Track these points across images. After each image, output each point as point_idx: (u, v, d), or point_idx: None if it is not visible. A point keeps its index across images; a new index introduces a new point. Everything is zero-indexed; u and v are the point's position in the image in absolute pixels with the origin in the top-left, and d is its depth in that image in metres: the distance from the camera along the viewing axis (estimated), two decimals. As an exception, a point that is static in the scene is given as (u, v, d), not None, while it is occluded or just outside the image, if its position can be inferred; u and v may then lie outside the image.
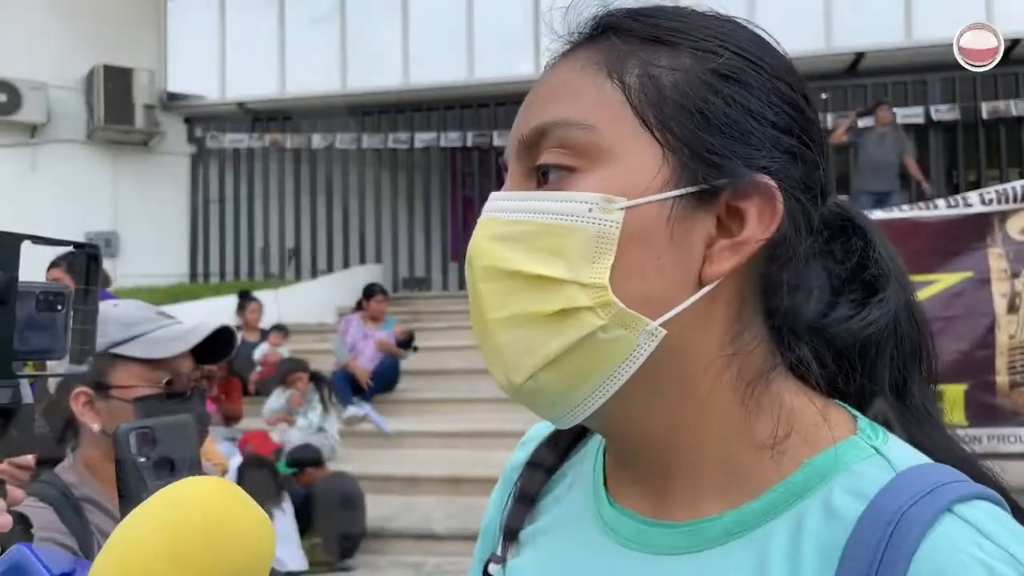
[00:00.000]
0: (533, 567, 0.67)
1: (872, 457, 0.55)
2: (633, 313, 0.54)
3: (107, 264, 10.35)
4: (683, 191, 0.55)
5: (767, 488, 0.56)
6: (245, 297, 8.07)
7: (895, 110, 9.11)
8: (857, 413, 0.59)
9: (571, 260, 0.54)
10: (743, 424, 0.57)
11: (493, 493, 0.77)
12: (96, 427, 1.41)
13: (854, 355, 0.60)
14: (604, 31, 0.60)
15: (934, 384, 0.63)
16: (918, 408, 0.61)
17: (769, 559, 0.54)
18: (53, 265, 4.05)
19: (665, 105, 0.56)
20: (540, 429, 0.76)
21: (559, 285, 0.55)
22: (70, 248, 0.73)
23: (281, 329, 7.77)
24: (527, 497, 0.71)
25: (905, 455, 0.55)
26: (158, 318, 1.48)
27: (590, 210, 0.54)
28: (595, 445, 0.68)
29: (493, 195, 0.60)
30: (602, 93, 0.57)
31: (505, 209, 0.58)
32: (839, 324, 0.59)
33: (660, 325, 0.54)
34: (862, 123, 8.84)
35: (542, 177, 0.58)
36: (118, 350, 1.41)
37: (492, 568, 0.70)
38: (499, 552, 0.70)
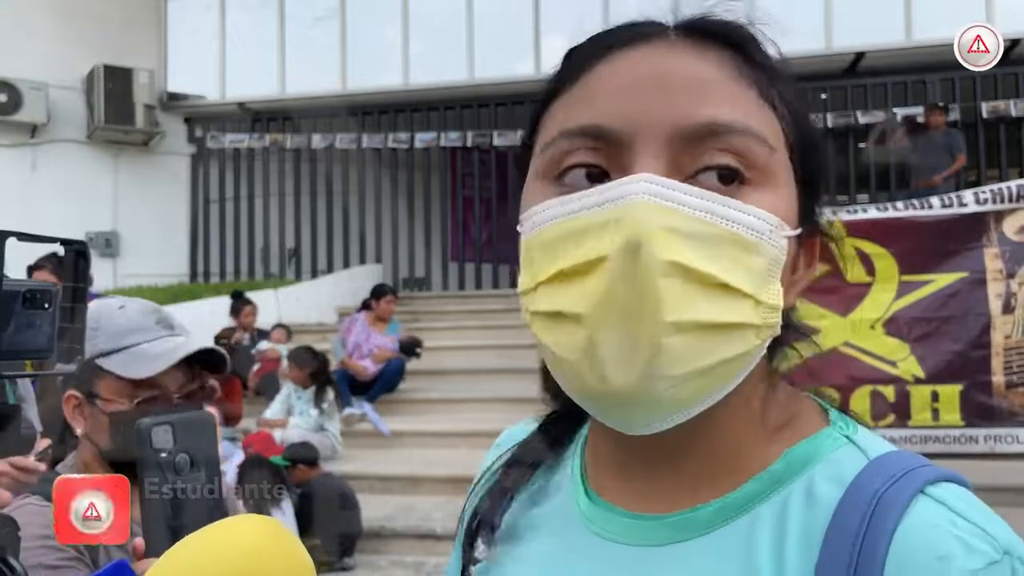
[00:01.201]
0: (517, 561, 0.67)
1: (846, 446, 0.59)
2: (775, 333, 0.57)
3: (107, 264, 10.36)
4: (801, 231, 0.59)
5: (750, 478, 0.59)
6: (238, 298, 8.07)
7: (898, 110, 9.12)
8: (827, 406, 0.63)
9: (755, 275, 0.54)
10: (760, 420, 0.61)
11: (465, 503, 0.76)
12: (79, 431, 1.41)
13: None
14: (711, 36, 0.58)
15: None
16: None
17: (756, 542, 0.56)
18: (36, 267, 3.95)
19: (801, 143, 0.60)
20: (514, 433, 0.77)
21: (742, 298, 0.53)
22: (56, 247, 0.72)
23: (284, 327, 7.78)
24: (507, 492, 0.71)
25: (874, 443, 0.59)
26: (154, 328, 1.44)
27: (771, 230, 0.55)
28: (578, 443, 0.70)
29: (653, 178, 0.53)
30: (764, 114, 0.57)
31: (684, 203, 0.53)
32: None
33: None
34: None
35: (723, 176, 0.54)
36: (101, 361, 1.39)
37: (474, 569, 0.70)
38: (480, 547, 0.70)
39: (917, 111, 9.53)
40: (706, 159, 0.54)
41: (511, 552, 0.68)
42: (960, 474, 0.57)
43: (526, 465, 0.72)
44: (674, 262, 0.51)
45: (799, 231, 0.58)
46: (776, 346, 0.61)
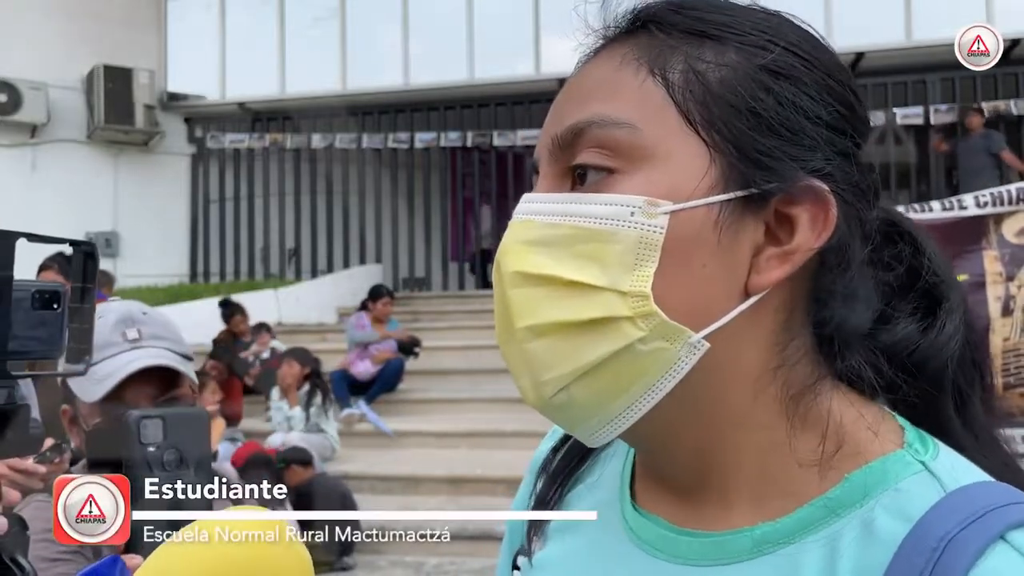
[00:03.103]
0: (557, 563, 0.64)
1: (920, 474, 0.51)
2: (676, 325, 0.51)
3: (107, 264, 10.36)
4: (732, 195, 0.52)
5: (805, 503, 0.53)
6: (227, 306, 8.04)
7: (898, 109, 9.14)
8: (906, 424, 0.55)
9: (610, 266, 0.51)
10: (787, 439, 0.54)
11: (522, 484, 0.73)
12: (74, 444, 1.42)
13: (912, 367, 0.56)
14: (643, 24, 0.56)
15: (990, 396, 0.60)
16: (978, 422, 0.58)
17: None
18: (44, 268, 3.94)
19: (712, 103, 0.53)
20: None
21: (596, 292, 0.51)
22: (64, 247, 0.72)
23: (264, 327, 7.74)
24: (544, 503, 0.68)
25: (957, 472, 0.51)
26: (117, 343, 1.36)
27: (632, 214, 0.51)
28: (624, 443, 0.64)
29: (526, 196, 0.57)
30: (643, 90, 0.54)
31: (540, 212, 0.54)
32: (910, 343, 0.57)
33: (703, 338, 0.51)
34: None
35: (578, 179, 0.54)
36: (70, 381, 1.35)
37: (520, 560, 0.67)
38: (526, 544, 0.67)
39: (916, 111, 9.54)
40: (576, 159, 0.54)
41: (552, 544, 0.65)
42: None
43: (582, 452, 0.68)
44: (518, 272, 0.53)
45: (712, 199, 0.51)
46: (829, 350, 0.55)
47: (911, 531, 0.48)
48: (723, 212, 0.52)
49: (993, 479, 0.52)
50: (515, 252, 0.54)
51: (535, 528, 0.67)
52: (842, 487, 0.52)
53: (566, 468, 0.68)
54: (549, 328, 0.53)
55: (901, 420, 0.56)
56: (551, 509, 0.67)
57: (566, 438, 0.70)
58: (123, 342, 1.38)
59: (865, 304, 0.56)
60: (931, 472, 0.51)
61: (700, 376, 0.52)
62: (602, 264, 0.52)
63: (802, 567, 0.51)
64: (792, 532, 0.52)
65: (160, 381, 1.37)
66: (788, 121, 0.53)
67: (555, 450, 0.70)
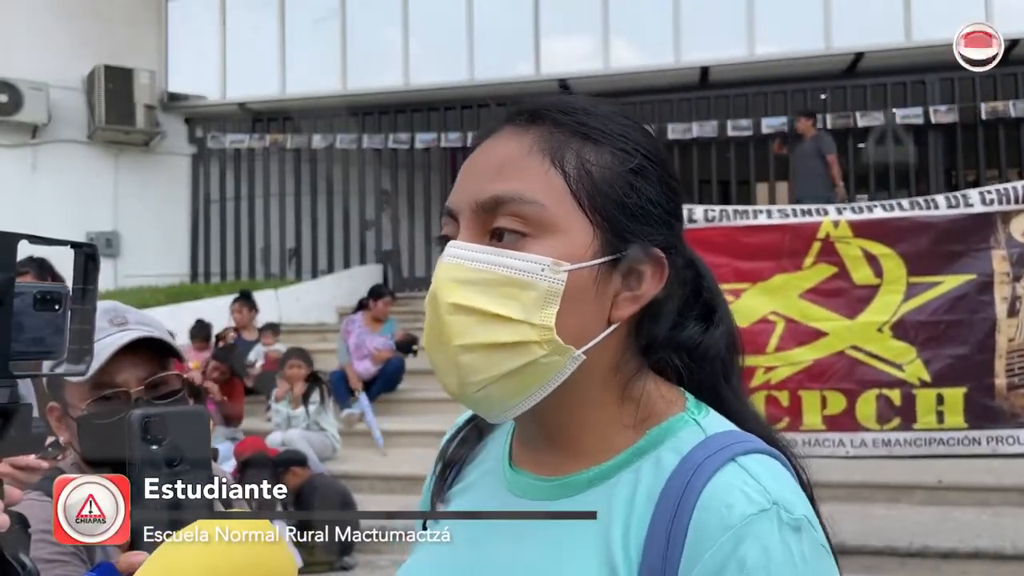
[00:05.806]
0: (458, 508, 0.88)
1: (692, 426, 0.76)
2: (566, 345, 0.73)
3: (108, 264, 10.37)
4: (606, 259, 0.74)
5: (623, 451, 0.77)
6: (240, 296, 8.10)
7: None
8: (689, 397, 0.80)
9: (526, 305, 0.72)
10: (617, 412, 0.78)
11: (430, 470, 0.96)
12: (63, 440, 1.42)
13: (697, 355, 0.81)
14: (540, 118, 0.77)
15: (741, 371, 0.85)
16: (736, 390, 0.84)
17: (615, 498, 0.75)
18: (18, 272, 3.91)
19: (596, 194, 0.74)
20: (468, 416, 0.96)
21: (516, 324, 0.71)
22: (36, 249, 0.73)
23: (272, 328, 7.76)
24: (445, 478, 0.91)
25: (715, 424, 0.77)
26: (104, 328, 1.36)
27: (543, 270, 0.72)
28: (505, 428, 0.88)
29: (453, 243, 0.76)
30: (548, 177, 0.74)
31: (468, 258, 0.74)
32: (695, 340, 0.81)
33: (581, 352, 0.73)
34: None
35: (495, 235, 0.74)
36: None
37: (427, 522, 0.87)
38: (432, 506, 0.90)
39: (916, 112, 9.55)
40: (496, 223, 0.74)
41: (454, 503, 0.88)
42: (774, 450, 0.75)
43: (478, 434, 0.92)
44: (454, 303, 0.72)
45: (594, 262, 0.73)
46: (647, 356, 0.79)
47: (680, 461, 0.73)
48: (599, 270, 0.74)
49: (737, 429, 0.77)
50: (449, 287, 0.73)
51: (438, 493, 0.91)
52: (645, 439, 0.77)
53: (463, 452, 0.93)
54: (478, 347, 0.72)
55: (687, 395, 0.80)
56: (452, 483, 0.91)
57: (459, 432, 0.95)
58: (110, 326, 1.38)
59: (668, 319, 0.80)
60: (699, 425, 0.76)
61: (573, 376, 0.75)
62: (521, 304, 0.72)
63: (617, 491, 0.75)
64: (613, 470, 0.76)
65: (149, 363, 1.38)
66: (643, 210, 0.76)
67: (451, 440, 0.95)
